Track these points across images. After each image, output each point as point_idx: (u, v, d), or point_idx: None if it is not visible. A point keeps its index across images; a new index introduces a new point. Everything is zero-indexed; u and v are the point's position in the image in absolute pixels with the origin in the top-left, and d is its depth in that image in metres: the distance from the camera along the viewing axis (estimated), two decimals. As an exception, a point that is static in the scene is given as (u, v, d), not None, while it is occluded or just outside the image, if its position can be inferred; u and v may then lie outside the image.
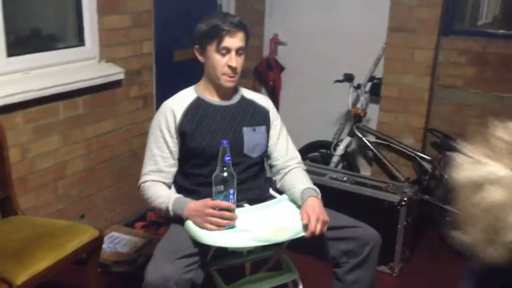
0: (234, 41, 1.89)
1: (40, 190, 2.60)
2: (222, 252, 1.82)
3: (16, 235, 2.08)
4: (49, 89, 2.51)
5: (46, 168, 2.61)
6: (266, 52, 4.15)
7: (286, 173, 2.07)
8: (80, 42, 2.82)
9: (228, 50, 1.90)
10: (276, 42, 4.11)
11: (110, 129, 2.98)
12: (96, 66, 2.85)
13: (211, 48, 1.91)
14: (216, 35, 1.88)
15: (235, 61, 1.90)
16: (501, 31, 3.24)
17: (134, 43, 3.07)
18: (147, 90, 3.24)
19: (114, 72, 2.89)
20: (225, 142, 1.73)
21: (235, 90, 2.07)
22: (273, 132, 2.08)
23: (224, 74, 1.92)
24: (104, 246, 2.75)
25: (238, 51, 1.92)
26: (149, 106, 3.27)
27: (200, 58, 1.98)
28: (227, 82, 1.94)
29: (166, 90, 3.32)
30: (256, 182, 2.04)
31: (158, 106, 3.27)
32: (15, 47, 2.50)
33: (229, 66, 1.91)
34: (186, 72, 3.57)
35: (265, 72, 4.11)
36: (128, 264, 2.71)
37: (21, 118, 2.43)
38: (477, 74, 3.22)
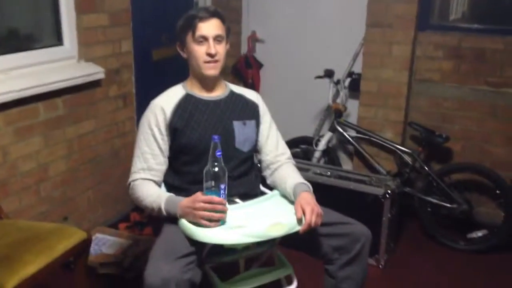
0: (209, 28, 1.89)
1: (22, 193, 2.54)
2: (217, 250, 1.82)
3: (2, 240, 2.02)
4: (29, 89, 2.46)
5: (28, 170, 2.55)
6: (244, 50, 4.15)
7: (276, 169, 2.08)
8: (59, 41, 2.77)
9: (205, 38, 1.89)
10: (254, 39, 4.11)
11: (91, 129, 2.94)
12: (75, 65, 2.81)
13: (189, 40, 1.90)
14: (190, 24, 1.89)
15: (214, 48, 1.89)
16: (475, 25, 3.32)
17: (113, 42, 3.03)
18: (127, 89, 3.20)
19: (94, 72, 2.85)
20: (216, 137, 1.73)
21: (223, 85, 2.07)
22: (263, 127, 2.09)
23: (204, 62, 1.91)
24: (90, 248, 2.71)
25: (217, 38, 1.91)
26: (129, 105, 3.24)
27: (182, 54, 1.97)
28: (209, 69, 1.93)
29: (145, 89, 3.32)
30: (247, 177, 2.04)
31: (138, 105, 3.27)
32: (-7, 48, 2.45)
33: (208, 54, 1.90)
34: (165, 71, 3.57)
35: (243, 70, 4.11)
36: (115, 265, 2.67)
37: (1, 120, 2.38)
38: (453, 68, 3.30)
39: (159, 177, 1.98)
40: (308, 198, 1.81)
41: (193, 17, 1.89)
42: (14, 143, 2.45)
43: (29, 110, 2.52)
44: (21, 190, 2.53)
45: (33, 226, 2.18)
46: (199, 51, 1.90)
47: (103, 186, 3.10)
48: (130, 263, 2.68)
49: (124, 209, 3.27)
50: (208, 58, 1.90)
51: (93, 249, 2.74)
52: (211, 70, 1.93)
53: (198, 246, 1.74)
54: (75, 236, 2.11)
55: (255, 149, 2.10)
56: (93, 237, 2.86)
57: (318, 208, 1.78)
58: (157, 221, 1.98)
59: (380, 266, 2.87)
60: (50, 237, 2.06)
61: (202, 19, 1.88)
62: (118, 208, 3.24)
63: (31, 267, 1.87)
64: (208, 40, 1.89)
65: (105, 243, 2.83)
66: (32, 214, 2.61)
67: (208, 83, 2.01)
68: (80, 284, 2.21)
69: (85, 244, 2.16)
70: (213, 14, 1.91)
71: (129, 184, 1.97)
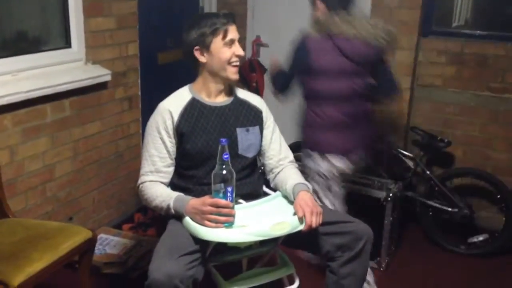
0: (235, 31, 1.99)
1: (29, 193, 2.58)
2: (221, 248, 1.85)
3: (10, 238, 2.07)
4: (37, 91, 2.50)
5: (35, 170, 2.59)
6: (248, 54, 4.19)
7: (278, 172, 2.11)
8: (67, 44, 2.82)
9: (233, 41, 1.97)
10: (258, 44, 4.15)
11: (97, 131, 2.98)
12: (83, 68, 2.85)
13: (217, 43, 1.95)
14: (220, 28, 1.94)
15: (241, 49, 1.99)
16: (477, 32, 3.36)
17: (120, 45, 3.07)
18: (133, 92, 3.24)
19: (101, 74, 2.89)
20: (223, 140, 1.76)
21: (230, 89, 2.10)
22: (266, 132, 2.12)
23: (230, 64, 1.98)
24: (94, 248, 2.75)
25: (239, 42, 2.01)
26: (135, 108, 3.28)
27: (201, 58, 1.98)
28: (234, 74, 2.00)
29: (151, 92, 3.36)
30: (250, 179, 2.08)
31: (143, 107, 3.31)
32: (2, 50, 2.49)
33: (237, 55, 1.98)
34: (170, 74, 3.61)
35: (248, 74, 4.14)
36: (119, 265, 2.71)
37: (10, 120, 2.42)
38: (455, 74, 3.33)
39: (167, 178, 2.02)
40: (306, 198, 1.84)
41: (222, 21, 1.95)
42: (22, 143, 2.49)
43: (37, 111, 2.56)
44: (28, 189, 2.57)
45: (39, 225, 2.21)
46: (228, 53, 1.96)
47: (108, 187, 3.14)
48: (133, 263, 2.72)
49: (128, 210, 3.30)
50: (236, 59, 1.98)
51: (97, 249, 2.77)
52: (235, 75, 2.01)
53: (202, 244, 1.77)
54: (80, 235, 2.15)
55: (259, 154, 2.14)
56: (98, 237, 2.90)
57: (317, 208, 1.81)
58: (161, 222, 2.02)
59: (382, 269, 2.90)
60: (56, 236, 2.10)
61: (229, 23, 1.96)
62: (123, 209, 3.28)
63: (37, 264, 1.91)
64: (234, 42, 1.97)
65: (109, 243, 2.87)
66: (38, 213, 2.64)
67: (220, 88, 2.05)
68: (84, 283, 2.25)
69: (90, 243, 2.20)
70: (233, 19, 2.00)
71: (138, 186, 2.01)
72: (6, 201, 2.31)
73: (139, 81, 3.29)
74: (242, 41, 4.12)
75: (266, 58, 4.15)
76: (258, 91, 4.08)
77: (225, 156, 1.74)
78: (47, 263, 1.95)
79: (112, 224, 3.18)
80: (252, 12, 4.14)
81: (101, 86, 2.94)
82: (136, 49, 3.22)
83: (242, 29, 4.13)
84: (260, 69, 4.13)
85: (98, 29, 2.89)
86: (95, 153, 3.00)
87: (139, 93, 3.30)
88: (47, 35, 2.79)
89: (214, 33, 1.94)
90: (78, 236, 2.14)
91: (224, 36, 1.95)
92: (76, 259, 2.20)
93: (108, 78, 2.93)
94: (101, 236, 2.94)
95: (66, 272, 2.21)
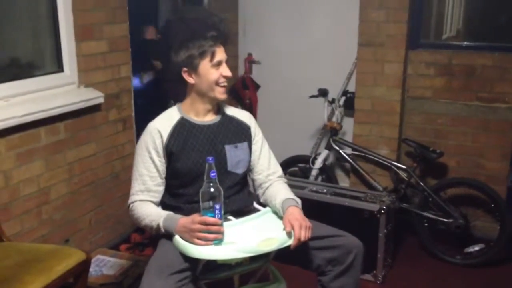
0: (223, 53, 2.03)
1: (24, 216, 2.60)
2: (211, 266, 1.86)
3: (3, 262, 2.08)
4: (31, 115, 2.53)
5: (30, 194, 2.61)
6: (241, 71, 4.25)
7: (267, 187, 2.13)
8: (59, 68, 2.85)
9: (220, 63, 2.01)
10: (250, 61, 4.21)
11: (91, 153, 3.01)
12: (76, 91, 2.89)
13: (205, 65, 1.99)
14: (207, 50, 1.98)
15: (229, 70, 2.02)
16: (464, 43, 3.40)
17: (112, 68, 3.11)
18: (126, 113, 3.28)
19: (94, 97, 2.93)
20: (210, 158, 1.79)
21: (218, 108, 2.14)
22: (255, 147, 2.15)
23: (218, 86, 2.01)
24: (90, 269, 2.73)
25: (226, 63, 2.04)
26: (129, 129, 3.31)
27: (189, 79, 2.02)
28: (222, 94, 2.03)
29: (144, 113, 3.40)
30: (240, 195, 2.10)
31: (137, 128, 3.35)
32: (-5, 76, 2.53)
33: (225, 76, 2.01)
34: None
35: (241, 91, 4.19)
36: (115, 286, 2.71)
37: (3, 145, 2.45)
38: (445, 85, 3.37)
39: (157, 197, 2.04)
40: (295, 213, 1.86)
41: (209, 43, 1.99)
42: (16, 167, 2.52)
43: (31, 135, 2.59)
44: (23, 213, 2.58)
45: (33, 248, 2.23)
46: (216, 74, 2.00)
47: (104, 209, 3.16)
48: (130, 284, 2.73)
49: (125, 231, 3.32)
50: (224, 80, 2.01)
51: (94, 270, 2.79)
52: (223, 95, 2.04)
53: (192, 262, 1.79)
54: (74, 257, 2.16)
55: (249, 169, 2.16)
56: (94, 259, 2.91)
57: (306, 222, 1.83)
58: (157, 241, 2.04)
59: (378, 282, 2.90)
60: (49, 259, 2.11)
61: (217, 44, 2.00)
62: (119, 229, 3.29)
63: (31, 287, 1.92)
64: (221, 63, 2.01)
65: (105, 264, 2.88)
66: (34, 236, 2.66)
67: (208, 107, 2.08)
68: (80, 304, 2.25)
69: (85, 265, 2.21)
70: (222, 39, 2.03)
71: (129, 206, 2.03)
72: (1, 225, 2.33)
73: (132, 102, 3.33)
74: (234, 59, 4.20)
75: (259, 75, 4.22)
76: (251, 107, 4.13)
77: (212, 174, 1.77)
78: (41, 286, 1.96)
79: (109, 245, 3.19)
80: (243, 30, 4.20)
81: (95, 108, 2.98)
82: (129, 71, 3.27)
83: (234, 47, 4.20)
84: (253, 86, 4.18)
85: (90, 53, 2.94)
86: (91, 175, 3.03)
87: (133, 114, 3.34)
88: (40, 60, 2.84)
89: (202, 55, 1.98)
90: (71, 258, 2.15)
91: (212, 58, 1.98)
92: (72, 281, 2.21)
93: (101, 100, 2.97)
94: (98, 257, 2.95)
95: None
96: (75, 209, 2.93)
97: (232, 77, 2.07)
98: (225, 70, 2.02)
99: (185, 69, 2.01)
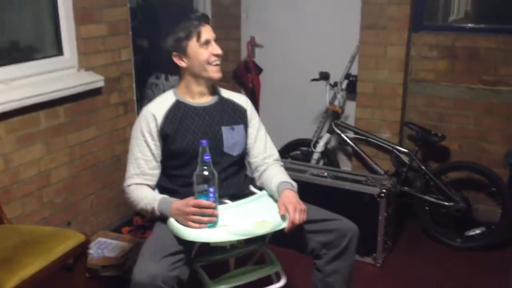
0: (209, 32, 2.02)
1: (25, 199, 2.62)
2: (206, 248, 1.88)
3: (3, 244, 2.11)
4: (30, 98, 2.54)
5: (30, 177, 2.64)
6: (244, 55, 4.22)
7: (264, 170, 2.14)
8: (59, 51, 2.86)
9: (208, 42, 2.00)
10: (253, 44, 4.18)
11: (92, 136, 3.02)
12: (76, 74, 2.89)
13: (193, 45, 1.99)
14: (193, 30, 1.98)
15: (218, 48, 2.01)
16: (468, 25, 3.35)
17: (113, 51, 3.11)
18: (128, 97, 3.28)
19: (94, 80, 2.93)
20: (204, 141, 1.79)
21: (213, 90, 2.13)
22: (251, 130, 2.15)
23: (210, 64, 2.00)
24: (92, 251, 2.79)
25: (215, 41, 2.03)
26: (130, 112, 3.32)
27: (181, 63, 2.03)
28: (215, 73, 2.03)
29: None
30: (236, 179, 2.10)
31: (139, 111, 3.35)
32: (-5, 59, 2.54)
33: (215, 55, 2.01)
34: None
35: (243, 75, 4.17)
36: (116, 268, 2.75)
37: (3, 129, 2.46)
38: (447, 68, 3.33)
39: (153, 181, 2.05)
40: (290, 196, 1.87)
41: (194, 24, 1.98)
42: (16, 150, 2.54)
43: (31, 119, 2.61)
44: (24, 196, 2.61)
45: (33, 230, 2.26)
46: (205, 53, 1.99)
47: (105, 191, 3.18)
48: (131, 266, 2.75)
49: (127, 214, 3.34)
50: (215, 59, 2.01)
51: (96, 252, 2.82)
52: (218, 73, 2.04)
53: (187, 245, 1.80)
54: (73, 239, 2.19)
55: (245, 152, 2.16)
56: (96, 241, 2.95)
57: (301, 205, 1.83)
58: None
59: (378, 265, 2.91)
60: (49, 240, 2.14)
61: (202, 24, 1.99)
62: (121, 212, 3.32)
63: (30, 268, 1.95)
64: (210, 42, 2.00)
65: (107, 247, 2.91)
66: (35, 219, 2.69)
67: (203, 90, 2.08)
68: (80, 285, 2.29)
69: (84, 247, 2.24)
70: (206, 19, 2.04)
71: (124, 189, 2.05)
72: (1, 208, 2.36)
73: (134, 85, 3.33)
74: (237, 42, 4.17)
75: (261, 58, 4.19)
76: (254, 91, 4.11)
77: (206, 157, 1.77)
78: (40, 267, 1.99)
79: (111, 228, 3.22)
80: (246, 13, 4.16)
81: (95, 92, 2.99)
82: (130, 54, 3.26)
83: (236, 31, 4.18)
84: (256, 69, 4.16)
85: (90, 36, 2.93)
86: (92, 158, 3.05)
87: (134, 97, 3.34)
88: (39, 44, 2.84)
89: (188, 36, 1.98)
90: (70, 240, 2.18)
91: (199, 38, 1.98)
92: (71, 262, 2.24)
93: (101, 84, 2.98)
94: (100, 239, 2.98)
95: (63, 275, 2.25)
96: (76, 192, 2.95)
97: (222, 55, 2.04)
98: (215, 49, 2.01)
99: (175, 53, 2.01)
